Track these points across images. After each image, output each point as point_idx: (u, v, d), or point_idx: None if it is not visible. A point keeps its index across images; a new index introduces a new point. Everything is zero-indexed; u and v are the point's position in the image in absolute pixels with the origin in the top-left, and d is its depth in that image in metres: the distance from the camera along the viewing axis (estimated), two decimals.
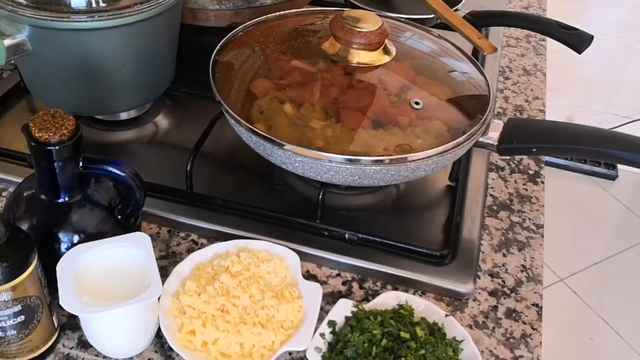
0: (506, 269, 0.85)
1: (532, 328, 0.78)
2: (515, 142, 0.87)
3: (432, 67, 1.06)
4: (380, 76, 1.04)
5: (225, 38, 1.00)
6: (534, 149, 0.86)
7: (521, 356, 0.75)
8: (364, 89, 1.01)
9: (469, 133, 0.87)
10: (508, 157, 1.05)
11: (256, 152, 0.85)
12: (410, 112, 0.96)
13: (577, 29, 1.14)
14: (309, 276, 0.82)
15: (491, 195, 0.97)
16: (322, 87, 0.98)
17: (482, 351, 0.75)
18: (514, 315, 0.80)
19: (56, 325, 0.71)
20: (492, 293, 0.82)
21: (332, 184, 0.85)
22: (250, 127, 0.83)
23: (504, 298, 0.82)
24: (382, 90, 1.02)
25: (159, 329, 0.71)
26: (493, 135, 0.88)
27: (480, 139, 0.88)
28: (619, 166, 2.76)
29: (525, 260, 0.87)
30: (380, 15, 1.14)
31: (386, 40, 1.01)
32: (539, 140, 0.87)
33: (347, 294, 0.81)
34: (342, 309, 0.75)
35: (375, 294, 0.79)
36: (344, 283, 0.82)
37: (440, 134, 0.94)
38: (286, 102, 0.96)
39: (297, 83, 1.02)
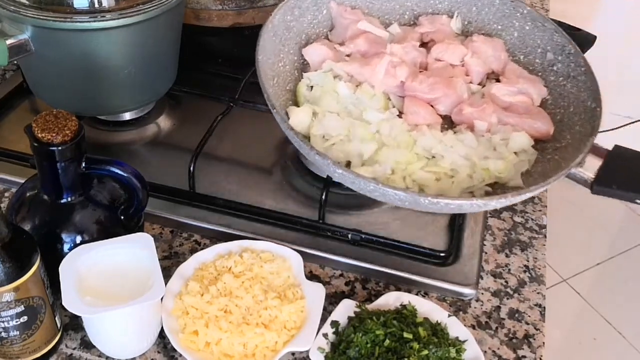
0: (509, 270, 0.85)
1: (535, 328, 0.78)
2: (616, 187, 0.71)
3: (531, 54, 0.89)
4: (465, 56, 0.87)
5: None
6: (639, 200, 0.72)
7: (524, 356, 0.75)
8: (441, 73, 0.85)
9: (564, 164, 0.71)
10: None
11: (259, 152, 0.85)
12: (490, 115, 0.81)
13: (580, 30, 1.14)
14: (311, 276, 0.82)
15: None
16: (389, 66, 0.82)
17: (485, 351, 0.75)
18: (516, 315, 0.80)
19: (59, 326, 0.71)
20: (495, 293, 0.82)
21: (335, 183, 0.85)
22: (290, 126, 0.71)
23: (507, 298, 0.81)
24: (463, 75, 0.87)
25: (162, 329, 0.71)
26: (589, 167, 0.72)
27: (573, 170, 0.72)
28: None
29: (528, 261, 0.86)
30: None
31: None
32: None
33: (350, 295, 0.80)
34: (345, 310, 0.75)
35: (378, 295, 0.79)
36: (346, 283, 0.82)
37: (524, 150, 0.79)
38: (342, 79, 0.83)
39: (360, 53, 0.86)
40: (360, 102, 0.80)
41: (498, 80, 0.88)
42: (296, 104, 0.83)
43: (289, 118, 0.77)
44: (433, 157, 0.77)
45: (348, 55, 0.85)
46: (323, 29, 0.88)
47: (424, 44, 0.89)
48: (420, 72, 0.85)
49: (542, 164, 0.78)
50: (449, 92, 0.81)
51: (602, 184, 0.71)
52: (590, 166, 0.73)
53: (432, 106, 0.82)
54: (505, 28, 0.91)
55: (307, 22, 0.86)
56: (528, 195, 0.69)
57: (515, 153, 0.78)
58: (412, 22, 0.92)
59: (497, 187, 0.77)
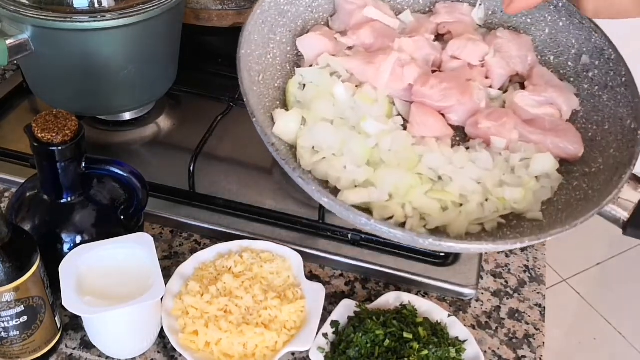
0: (509, 270, 0.85)
1: (535, 328, 0.78)
2: None
3: (563, 55, 0.76)
4: (486, 56, 0.75)
5: None
6: None
7: (524, 356, 0.75)
8: (457, 75, 0.73)
9: (595, 202, 0.60)
10: None
11: (259, 152, 0.83)
12: (510, 130, 0.69)
13: None
14: (311, 276, 0.82)
15: None
16: (397, 65, 0.71)
17: (485, 351, 0.75)
18: (516, 315, 0.80)
19: (59, 326, 0.71)
20: (495, 293, 0.82)
21: None
22: (272, 142, 0.62)
23: (507, 298, 0.81)
24: (482, 77, 0.75)
25: (162, 329, 0.71)
26: (623, 204, 0.61)
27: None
28: None
29: (528, 261, 0.86)
30: None
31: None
32: None
33: (350, 295, 0.80)
34: (345, 310, 0.75)
35: (378, 295, 0.79)
36: (346, 283, 0.82)
37: (548, 175, 0.67)
38: (340, 78, 0.72)
39: (365, 46, 0.75)
40: (360, 108, 0.69)
41: (522, 84, 0.78)
42: (285, 104, 0.73)
43: (274, 123, 0.68)
44: (440, 178, 0.67)
45: (350, 48, 0.75)
46: (323, 14, 0.77)
47: (440, 35, 0.78)
48: (433, 71, 0.75)
49: (567, 192, 0.67)
50: (464, 100, 0.70)
51: (638, 227, 0.61)
52: (623, 196, 0.62)
53: (443, 115, 0.72)
54: (536, 22, 0.78)
55: (305, 5, 0.74)
56: (548, 238, 0.59)
57: (537, 177, 0.67)
58: (427, 9, 0.80)
59: (512, 218, 0.67)
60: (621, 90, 0.69)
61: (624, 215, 0.62)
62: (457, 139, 0.73)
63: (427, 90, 0.70)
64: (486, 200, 0.66)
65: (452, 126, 0.73)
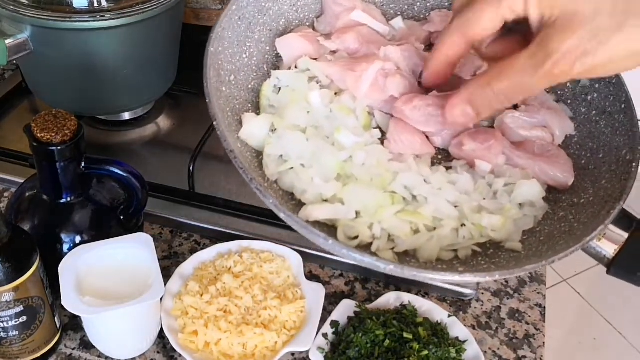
0: None
1: (535, 328, 0.78)
2: None
3: None
4: (479, 70, 0.69)
5: None
6: None
7: (524, 356, 0.75)
8: (446, 96, 0.63)
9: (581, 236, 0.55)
10: None
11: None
12: (497, 155, 0.63)
13: None
14: (311, 276, 0.82)
15: None
16: (379, 75, 0.65)
17: (485, 351, 0.75)
18: (517, 315, 0.79)
19: (58, 326, 0.71)
20: (495, 293, 0.82)
21: None
22: (231, 149, 0.58)
23: (507, 298, 0.81)
24: None
25: (162, 329, 0.71)
26: (609, 241, 0.58)
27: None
28: None
29: None
30: None
31: None
32: None
33: (350, 295, 0.80)
34: (345, 310, 0.75)
35: (378, 295, 0.79)
36: (346, 283, 0.82)
37: (532, 203, 0.62)
38: (319, 83, 0.67)
39: (349, 51, 0.70)
40: (336, 117, 0.64)
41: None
42: (258, 107, 0.68)
43: (242, 126, 0.64)
44: (414, 197, 0.61)
45: (334, 52, 0.70)
46: (309, 14, 0.72)
47: (432, 45, 0.71)
48: (419, 83, 0.68)
49: (551, 222, 0.61)
50: (449, 126, 0.64)
51: (622, 268, 0.58)
52: (609, 232, 0.58)
53: (423, 134, 0.65)
54: None
55: (289, 3, 0.69)
56: (521, 273, 0.55)
57: (520, 205, 0.62)
58: (422, 17, 0.74)
59: (489, 246, 0.61)
60: (620, 117, 0.64)
61: (609, 253, 0.58)
62: (440, 157, 0.67)
63: (409, 110, 0.63)
64: (462, 225, 0.60)
65: (434, 145, 0.68)
